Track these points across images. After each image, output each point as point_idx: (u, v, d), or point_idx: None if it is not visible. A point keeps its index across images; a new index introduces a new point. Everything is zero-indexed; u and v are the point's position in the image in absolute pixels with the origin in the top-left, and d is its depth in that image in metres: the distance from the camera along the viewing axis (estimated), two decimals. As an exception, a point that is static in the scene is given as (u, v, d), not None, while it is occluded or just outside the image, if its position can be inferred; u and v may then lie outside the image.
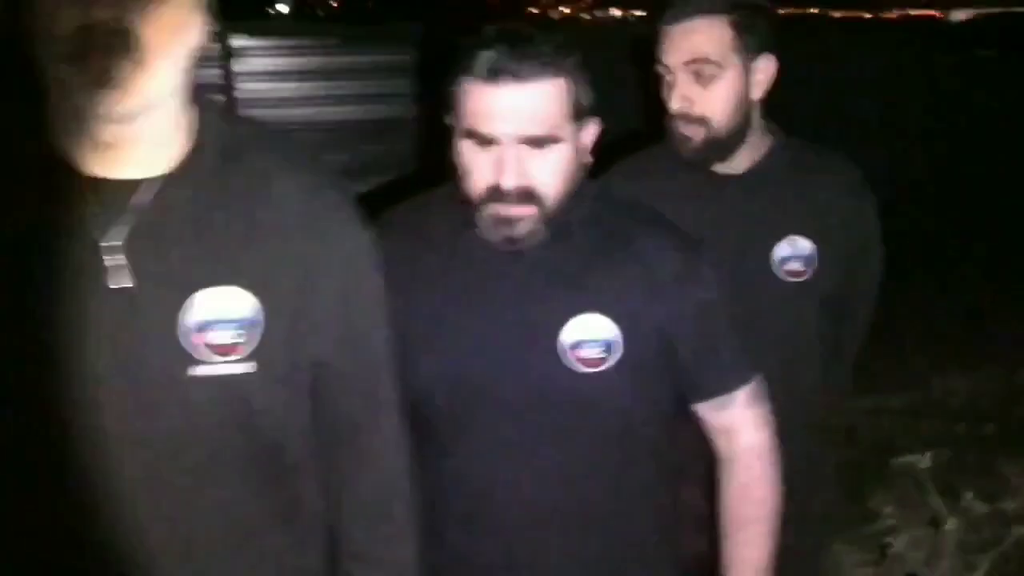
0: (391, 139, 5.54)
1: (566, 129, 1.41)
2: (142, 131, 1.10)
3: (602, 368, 1.45)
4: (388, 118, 5.61)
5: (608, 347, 1.44)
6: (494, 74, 1.36)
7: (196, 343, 1.12)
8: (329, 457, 1.28)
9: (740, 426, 1.56)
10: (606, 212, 1.52)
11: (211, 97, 1.21)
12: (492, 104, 1.37)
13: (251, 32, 5.64)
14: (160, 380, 1.11)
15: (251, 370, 1.14)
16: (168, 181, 1.13)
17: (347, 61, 5.80)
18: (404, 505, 1.33)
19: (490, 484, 1.48)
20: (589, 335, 1.44)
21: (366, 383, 1.27)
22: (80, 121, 1.08)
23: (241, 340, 1.13)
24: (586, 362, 1.44)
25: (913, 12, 23.50)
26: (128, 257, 1.10)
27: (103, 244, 1.10)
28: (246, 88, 5.54)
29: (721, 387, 1.55)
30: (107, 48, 1.01)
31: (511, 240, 1.43)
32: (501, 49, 1.37)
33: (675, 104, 1.79)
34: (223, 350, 1.13)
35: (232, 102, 5.36)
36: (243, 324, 1.13)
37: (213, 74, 5.32)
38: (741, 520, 1.57)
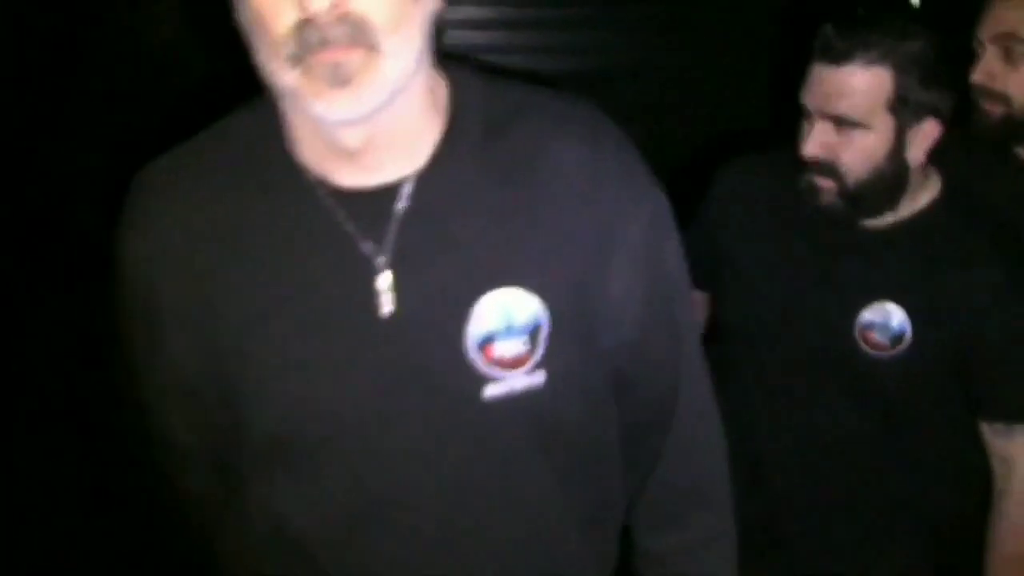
0: (605, 92, 5.57)
1: (879, 119, 1.47)
2: (390, 127, 0.96)
3: (885, 355, 1.53)
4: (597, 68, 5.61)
5: (896, 337, 1.53)
6: (822, 52, 1.48)
7: (484, 359, 1.00)
8: (637, 449, 1.17)
9: (1018, 460, 1.54)
10: (945, 213, 1.56)
11: (463, 64, 1.05)
12: (813, 79, 1.50)
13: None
14: (453, 405, 1.01)
15: (542, 380, 1.02)
16: (425, 177, 0.99)
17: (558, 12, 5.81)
18: (723, 494, 1.21)
19: (758, 434, 1.63)
20: (880, 319, 1.53)
21: (675, 355, 1.15)
22: (321, 130, 0.95)
23: (527, 348, 1.01)
24: (873, 345, 1.54)
25: None
26: (398, 274, 0.98)
27: (373, 263, 0.98)
28: (454, 35, 5.66)
29: (1004, 414, 1.54)
30: (333, 41, 0.87)
31: (817, 209, 1.54)
32: (836, 29, 1.46)
33: (976, 76, 1.76)
34: (511, 362, 1.00)
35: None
36: (528, 330, 1.00)
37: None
38: (1003, 555, 1.56)
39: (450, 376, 0.99)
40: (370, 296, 0.97)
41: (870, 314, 1.54)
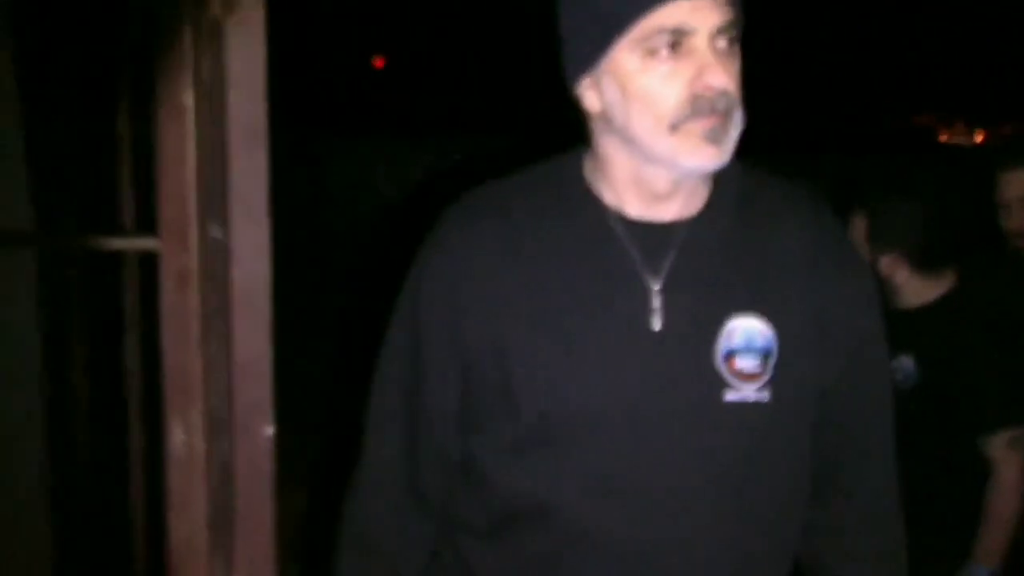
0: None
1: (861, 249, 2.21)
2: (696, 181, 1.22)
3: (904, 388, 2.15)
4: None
5: (908, 377, 2.18)
6: None
7: (727, 370, 1.20)
8: (816, 493, 1.31)
9: (998, 464, 2.13)
10: (946, 304, 2.25)
11: None
12: None
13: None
14: (697, 405, 1.20)
15: (767, 399, 1.20)
16: (698, 222, 1.23)
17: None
18: (897, 546, 1.36)
19: None
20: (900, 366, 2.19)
21: (865, 412, 1.32)
22: (644, 175, 1.20)
23: (760, 369, 1.20)
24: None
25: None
26: (667, 293, 1.20)
27: (651, 285, 1.20)
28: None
29: (978, 428, 2.14)
30: (715, 111, 1.13)
31: None
32: None
33: (1012, 224, 2.34)
34: (747, 377, 1.20)
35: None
36: (763, 352, 1.20)
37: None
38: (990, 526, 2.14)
39: (700, 380, 1.20)
40: (645, 312, 1.20)
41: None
